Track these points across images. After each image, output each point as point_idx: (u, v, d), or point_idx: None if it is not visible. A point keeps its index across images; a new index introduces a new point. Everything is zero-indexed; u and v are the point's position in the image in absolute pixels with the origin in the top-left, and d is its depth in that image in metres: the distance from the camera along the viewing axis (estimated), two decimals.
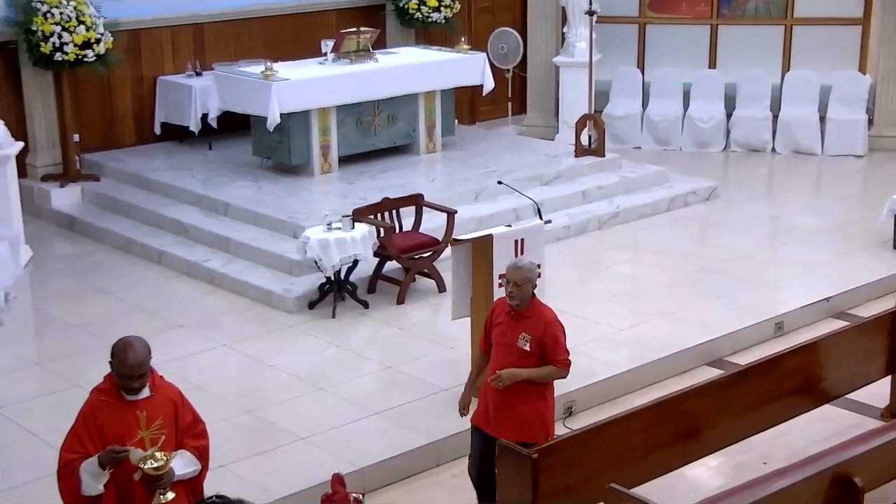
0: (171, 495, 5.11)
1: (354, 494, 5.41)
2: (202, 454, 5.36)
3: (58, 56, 11.70)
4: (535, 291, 6.45)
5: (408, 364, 8.76)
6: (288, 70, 12.08)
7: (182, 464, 5.22)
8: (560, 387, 8.24)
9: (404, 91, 12.56)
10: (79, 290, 10.29)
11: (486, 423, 6.53)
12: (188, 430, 5.33)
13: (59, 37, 11.60)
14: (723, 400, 6.82)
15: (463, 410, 6.79)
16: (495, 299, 6.86)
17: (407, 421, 7.85)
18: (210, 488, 5.48)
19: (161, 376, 5.38)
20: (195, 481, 5.36)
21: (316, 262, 9.53)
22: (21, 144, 10.92)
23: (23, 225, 10.86)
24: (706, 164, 14.45)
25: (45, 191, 12.17)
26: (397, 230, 10.26)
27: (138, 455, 5.02)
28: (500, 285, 7.85)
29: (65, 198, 12.15)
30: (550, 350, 6.36)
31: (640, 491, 5.79)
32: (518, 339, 6.36)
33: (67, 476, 5.10)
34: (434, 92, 12.87)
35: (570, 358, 6.45)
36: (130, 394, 5.19)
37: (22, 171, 11.63)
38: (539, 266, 7.85)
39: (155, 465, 5.01)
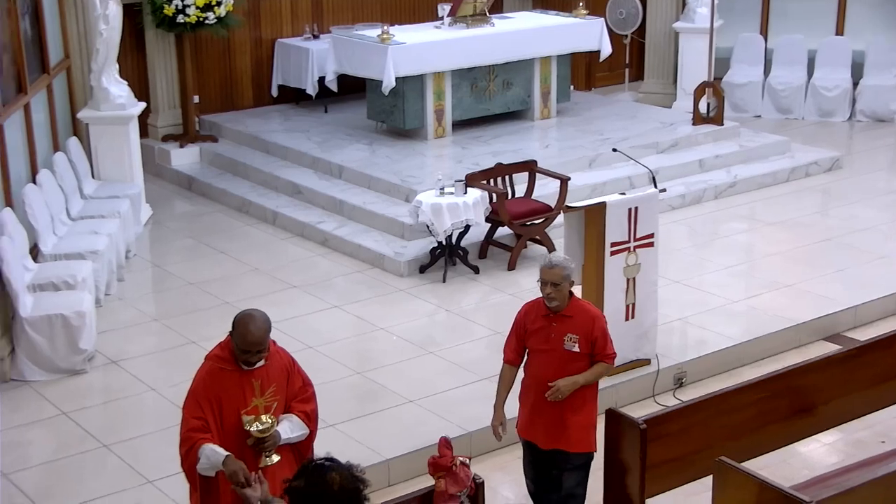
0: (276, 458, 5.16)
1: (461, 458, 5.40)
2: (310, 418, 5.39)
3: (180, 18, 11.90)
4: (572, 287, 5.96)
5: None
6: (404, 34, 12.08)
7: (289, 427, 5.26)
8: (671, 358, 8.16)
9: (520, 56, 12.45)
10: (196, 248, 10.49)
11: (538, 437, 6.04)
12: (297, 395, 5.37)
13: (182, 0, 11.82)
14: (841, 375, 6.64)
15: (499, 435, 6.15)
16: (536, 298, 6.12)
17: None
18: (319, 447, 5.54)
19: (274, 341, 5.40)
20: (304, 445, 5.40)
21: (428, 227, 9.55)
22: (143, 105, 11.14)
23: (144, 184, 11.10)
24: (829, 133, 14.04)
25: (165, 151, 12.42)
26: (510, 196, 10.20)
27: (246, 418, 5.07)
28: (612, 254, 7.77)
29: (184, 158, 12.39)
30: (601, 346, 5.92)
31: (750, 465, 5.67)
32: (564, 341, 5.88)
33: (187, 448, 5.17)
34: (550, 57, 12.74)
35: (615, 352, 6.03)
36: (248, 366, 5.20)
37: (144, 132, 11.88)
38: (652, 235, 7.77)
39: (260, 427, 5.07)
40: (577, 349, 5.87)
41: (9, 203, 8.72)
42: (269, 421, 5.10)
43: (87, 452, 7.05)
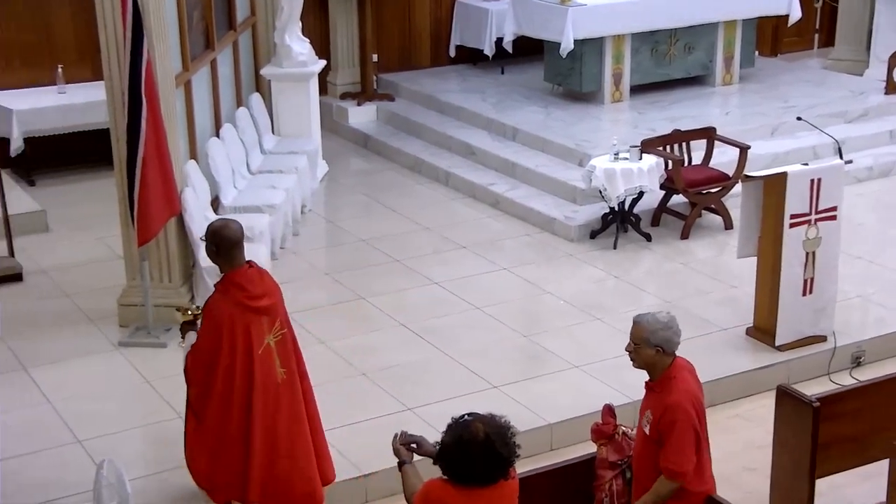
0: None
1: (624, 428, 5.33)
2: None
3: None
4: (672, 354, 5.00)
5: (687, 300, 8.56)
6: None
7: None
8: (849, 335, 7.84)
9: (704, 20, 12.10)
10: (368, 205, 10.63)
11: None
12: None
13: None
14: None
15: None
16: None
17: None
18: (482, 407, 5.55)
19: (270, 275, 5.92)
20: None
21: (601, 192, 9.42)
22: (323, 63, 11.32)
23: (321, 140, 11.30)
24: None
25: (343, 108, 12.61)
26: (686, 163, 9.97)
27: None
28: (791, 226, 7.53)
29: (361, 116, 12.55)
30: (665, 446, 4.89)
31: None
32: (644, 417, 5.06)
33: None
34: (735, 21, 12.34)
35: (685, 468, 4.87)
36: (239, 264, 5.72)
37: (323, 89, 12.07)
38: (835, 208, 7.45)
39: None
40: (647, 431, 5.02)
41: (193, 156, 9.00)
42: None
43: None
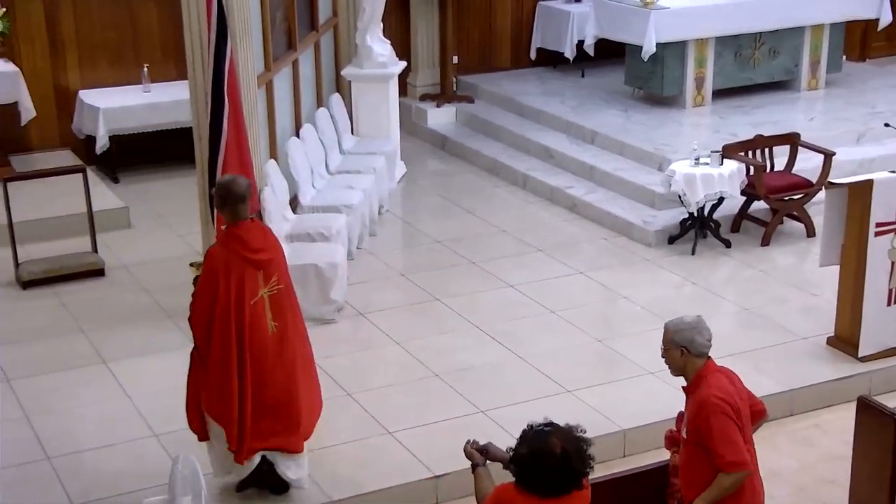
0: None
1: None
2: None
3: None
4: (700, 356, 4.94)
5: (767, 307, 8.43)
6: None
7: None
8: None
9: (790, 23, 11.92)
10: (445, 207, 10.64)
11: None
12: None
13: None
14: None
15: None
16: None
17: (761, 365, 7.56)
18: (554, 413, 5.52)
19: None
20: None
21: (680, 197, 9.32)
22: (404, 64, 11.36)
23: (399, 142, 11.33)
24: None
25: (422, 110, 12.64)
26: (768, 169, 9.81)
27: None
28: (877, 234, 7.37)
29: (440, 117, 12.56)
30: (710, 444, 4.82)
31: None
32: (682, 423, 5.06)
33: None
34: (822, 25, 12.13)
35: (740, 457, 4.80)
36: (242, 217, 5.90)
37: (402, 90, 12.11)
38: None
39: None
40: (684, 435, 5.00)
41: (273, 155, 9.09)
42: None
43: (331, 399, 7.26)
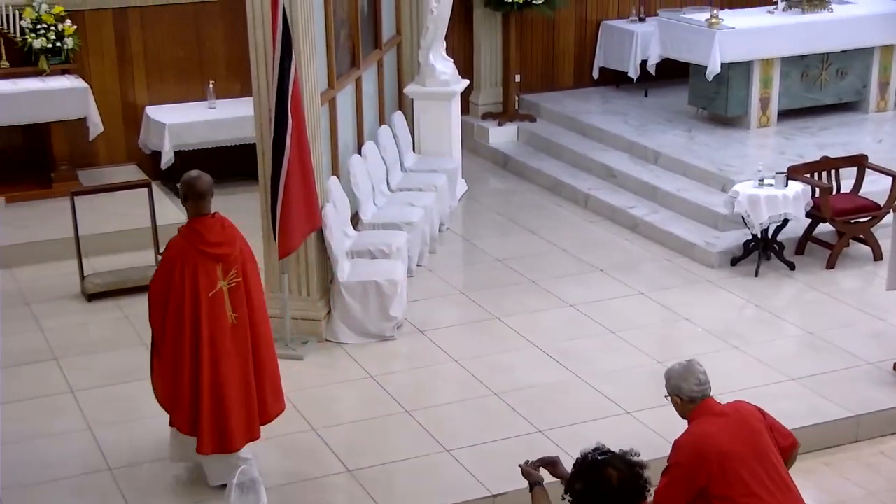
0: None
1: None
2: None
3: None
4: (692, 401, 4.97)
5: (831, 331, 8.29)
6: (734, 18, 11.70)
7: None
8: None
9: (859, 44, 11.77)
10: (506, 225, 10.62)
11: None
12: None
13: None
14: None
15: None
16: None
17: (825, 390, 7.45)
18: (612, 434, 5.49)
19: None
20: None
21: (743, 218, 9.23)
22: (466, 82, 11.37)
23: (461, 160, 11.34)
24: None
25: (483, 128, 12.64)
26: (835, 191, 9.68)
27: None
28: None
29: (501, 136, 12.56)
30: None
31: None
32: None
33: None
34: (892, 46, 11.96)
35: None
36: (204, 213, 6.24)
37: (465, 108, 12.13)
38: None
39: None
40: None
41: (335, 172, 9.14)
42: None
43: (390, 416, 7.30)
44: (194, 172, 6.34)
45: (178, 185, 6.34)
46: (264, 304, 6.48)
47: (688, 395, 4.98)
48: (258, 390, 6.34)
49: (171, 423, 6.41)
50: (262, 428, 6.43)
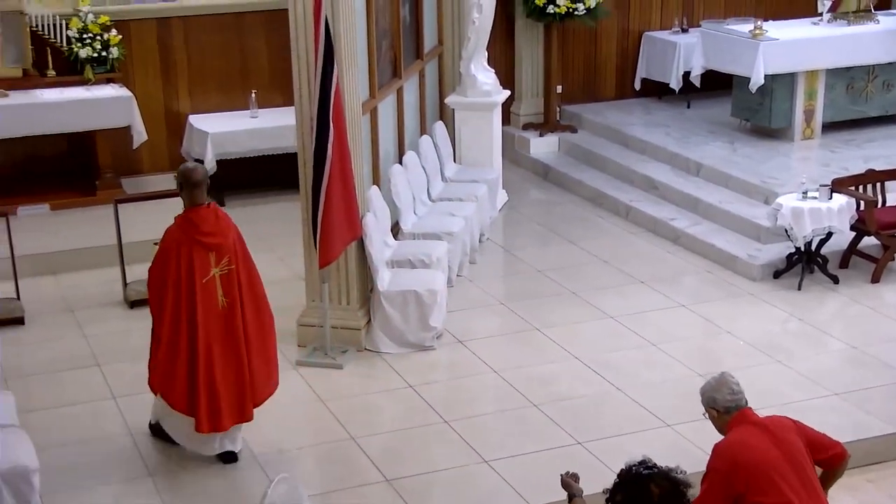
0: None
1: None
2: None
3: (550, 9, 12.03)
4: (727, 412, 4.98)
5: (876, 346, 8.20)
6: (778, 29, 11.62)
7: None
8: None
9: None
10: (546, 236, 10.59)
11: None
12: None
13: None
14: None
15: None
16: None
17: (868, 405, 7.36)
18: (651, 446, 5.44)
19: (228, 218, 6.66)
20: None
21: (786, 231, 9.15)
22: (508, 93, 11.36)
23: (502, 170, 11.33)
24: None
25: (524, 139, 12.63)
26: (880, 204, 9.57)
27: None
28: None
29: (542, 147, 12.54)
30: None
31: None
32: None
33: None
34: None
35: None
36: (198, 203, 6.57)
37: (506, 119, 12.12)
38: None
39: None
40: None
41: (376, 181, 9.16)
42: None
43: (428, 426, 7.29)
44: (190, 164, 6.80)
45: (174, 176, 6.73)
46: (263, 291, 6.81)
47: (723, 405, 4.98)
48: (251, 374, 6.64)
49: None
50: (302, 436, 6.46)
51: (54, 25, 10.85)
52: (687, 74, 12.40)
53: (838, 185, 9.34)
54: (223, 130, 11.16)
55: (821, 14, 11.95)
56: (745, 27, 11.67)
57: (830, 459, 4.97)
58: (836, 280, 9.32)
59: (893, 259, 9.45)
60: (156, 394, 6.76)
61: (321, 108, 7.49)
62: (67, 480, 6.66)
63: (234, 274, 6.55)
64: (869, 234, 9.39)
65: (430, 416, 7.38)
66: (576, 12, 12.06)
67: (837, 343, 8.35)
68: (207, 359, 6.49)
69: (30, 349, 8.39)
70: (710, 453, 4.90)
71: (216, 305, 6.50)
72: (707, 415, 5.06)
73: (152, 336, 6.72)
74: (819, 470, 4.96)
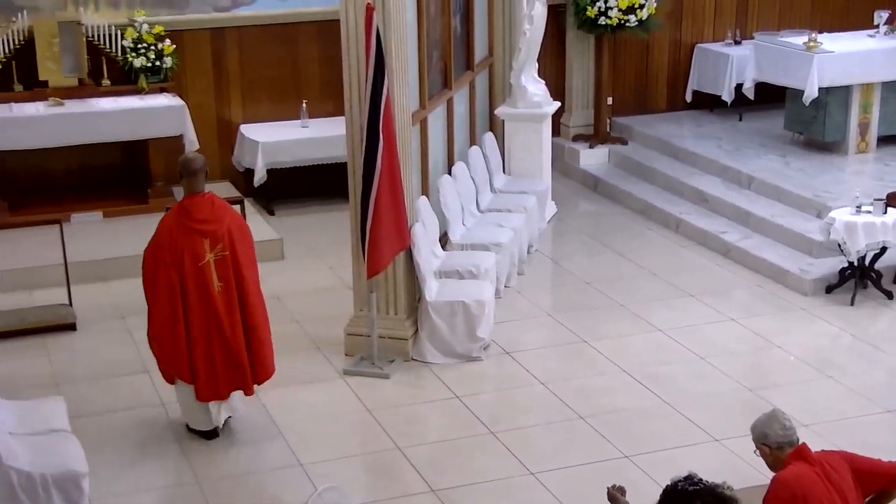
0: None
1: None
2: None
3: (602, 20, 11.99)
4: (780, 447, 4.89)
5: None
6: (833, 42, 11.51)
7: None
8: None
9: None
10: (595, 248, 10.54)
11: None
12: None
13: (605, 1, 11.89)
14: None
15: None
16: None
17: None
18: (702, 461, 5.39)
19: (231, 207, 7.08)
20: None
21: (839, 246, 9.04)
22: (558, 104, 11.34)
23: (551, 182, 11.30)
24: None
25: (574, 150, 12.59)
26: None
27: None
28: None
29: (592, 158, 12.49)
30: None
31: None
32: None
33: None
34: None
35: None
36: (196, 190, 6.96)
37: (556, 130, 12.10)
38: None
39: None
40: None
41: (425, 192, 9.17)
42: None
43: (475, 437, 7.28)
44: (191, 154, 7.27)
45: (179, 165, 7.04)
46: (256, 278, 7.14)
47: (774, 441, 4.90)
48: (250, 352, 7.02)
49: (168, 381, 7.19)
50: (348, 445, 6.45)
51: (109, 35, 10.99)
52: (739, 87, 12.31)
53: (893, 200, 9.22)
54: (274, 140, 11.24)
55: (877, 26, 11.82)
56: (800, 39, 11.57)
57: (888, 485, 4.90)
58: (890, 295, 9.19)
59: None
60: (171, 382, 7.18)
61: (371, 118, 7.52)
62: (116, 485, 6.72)
63: (228, 259, 6.90)
64: None
65: (477, 426, 7.36)
66: (627, 24, 12.02)
67: (890, 359, 8.23)
68: (206, 335, 6.88)
69: (81, 355, 8.49)
70: (769, 484, 4.80)
71: (212, 288, 6.85)
72: (758, 452, 4.98)
73: (147, 317, 7.04)
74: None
